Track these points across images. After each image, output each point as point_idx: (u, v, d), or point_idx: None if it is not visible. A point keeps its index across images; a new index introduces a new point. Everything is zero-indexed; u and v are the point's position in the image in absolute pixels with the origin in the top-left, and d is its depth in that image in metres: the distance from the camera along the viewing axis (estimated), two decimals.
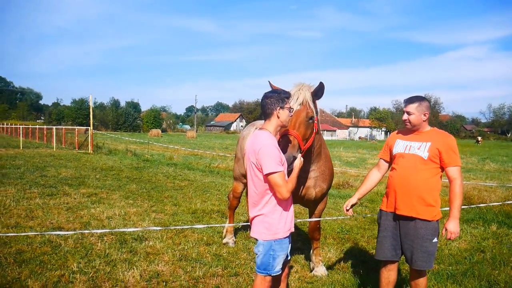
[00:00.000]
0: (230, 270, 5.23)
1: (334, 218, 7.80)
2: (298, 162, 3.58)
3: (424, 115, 3.80)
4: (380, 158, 4.24)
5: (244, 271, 5.23)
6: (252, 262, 5.61)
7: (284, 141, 3.83)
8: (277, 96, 3.43)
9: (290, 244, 3.58)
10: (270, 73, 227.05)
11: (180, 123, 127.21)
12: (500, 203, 9.07)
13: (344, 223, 7.82)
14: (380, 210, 4.06)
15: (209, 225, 6.14)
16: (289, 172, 3.53)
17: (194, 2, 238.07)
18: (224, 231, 6.49)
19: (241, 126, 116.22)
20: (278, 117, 3.44)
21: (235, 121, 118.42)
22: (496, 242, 6.82)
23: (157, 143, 29.05)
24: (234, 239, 6.43)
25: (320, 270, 5.21)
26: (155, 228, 6.21)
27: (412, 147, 3.81)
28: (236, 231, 6.88)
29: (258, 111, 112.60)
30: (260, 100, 3.53)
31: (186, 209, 8.56)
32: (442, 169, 3.79)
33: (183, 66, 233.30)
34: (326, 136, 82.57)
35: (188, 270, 5.15)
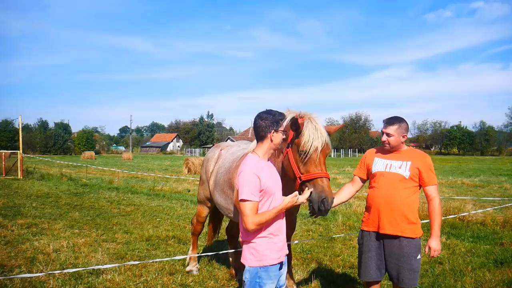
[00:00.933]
0: None
1: (295, 242, 7.74)
2: (289, 200, 3.30)
3: (403, 136, 3.86)
4: (355, 175, 4.24)
5: None
6: None
7: (321, 187, 3.55)
8: (272, 119, 3.29)
9: (283, 272, 3.43)
10: (206, 93, 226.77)
11: (114, 145, 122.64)
12: (444, 217, 9.52)
13: (304, 243, 7.77)
14: (362, 230, 4.04)
15: (184, 256, 5.78)
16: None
17: (127, 20, 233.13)
18: (188, 258, 6.17)
19: (178, 146, 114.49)
20: (272, 141, 3.31)
21: (172, 141, 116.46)
22: (449, 253, 7.09)
23: (92, 166, 27.61)
24: (198, 266, 6.14)
25: None
26: (133, 262, 5.72)
27: (393, 166, 3.84)
28: (198, 257, 6.58)
29: (195, 131, 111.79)
30: (253, 120, 3.39)
31: (139, 237, 8.09)
32: (420, 187, 3.86)
33: (117, 85, 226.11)
34: None
35: None
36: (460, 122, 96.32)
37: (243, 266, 3.35)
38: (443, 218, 9.32)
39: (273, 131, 3.28)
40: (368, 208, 4.00)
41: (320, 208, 3.49)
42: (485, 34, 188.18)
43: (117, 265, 5.43)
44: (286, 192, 3.47)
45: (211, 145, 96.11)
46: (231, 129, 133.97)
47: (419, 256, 3.79)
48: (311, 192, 3.51)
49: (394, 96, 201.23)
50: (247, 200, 3.13)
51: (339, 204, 4.29)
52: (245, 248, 3.32)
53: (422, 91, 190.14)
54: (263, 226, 3.20)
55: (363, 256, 3.96)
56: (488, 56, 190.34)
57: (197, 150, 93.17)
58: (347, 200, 4.24)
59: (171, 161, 51.98)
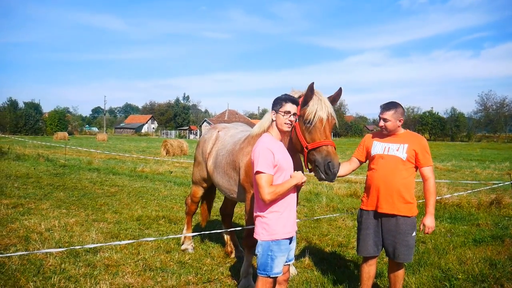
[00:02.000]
0: (201, 276, 5.12)
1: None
2: (300, 177, 3.49)
3: (399, 121, 4.06)
4: (354, 157, 4.43)
5: (216, 277, 5.16)
6: (219, 267, 5.54)
7: (326, 151, 3.71)
8: (276, 101, 3.51)
9: (292, 247, 3.62)
10: (181, 74, 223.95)
11: (87, 126, 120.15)
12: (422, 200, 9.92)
13: None
14: (361, 209, 4.26)
15: (186, 234, 5.88)
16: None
17: None
18: (182, 237, 6.30)
19: (153, 128, 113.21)
20: (273, 120, 3.52)
21: (146, 122, 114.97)
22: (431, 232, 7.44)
23: (67, 146, 27.10)
24: (193, 245, 6.28)
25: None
26: (148, 239, 5.86)
27: (391, 149, 4.05)
28: (192, 236, 6.72)
29: (170, 113, 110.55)
30: None
31: (128, 217, 8.16)
32: (416, 168, 4.09)
33: (89, 65, 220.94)
34: None
35: (159, 280, 4.94)
36: (432, 108, 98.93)
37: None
38: (421, 201, 9.78)
39: (273, 111, 3.51)
40: (367, 189, 4.21)
41: (326, 171, 3.67)
42: (458, 21, 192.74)
43: (128, 242, 5.50)
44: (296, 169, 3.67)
45: (187, 127, 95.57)
46: (206, 111, 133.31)
47: (414, 233, 4.05)
48: (317, 156, 3.71)
49: (369, 81, 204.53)
50: (262, 172, 3.31)
51: (338, 176, 4.42)
52: (258, 224, 3.50)
53: (396, 76, 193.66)
54: (278, 197, 3.37)
55: (362, 233, 4.19)
56: (460, 44, 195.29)
57: (173, 132, 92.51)
58: (345, 175, 4.38)
59: (147, 142, 51.50)
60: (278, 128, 3.52)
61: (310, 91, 3.83)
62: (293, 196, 3.55)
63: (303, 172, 4.24)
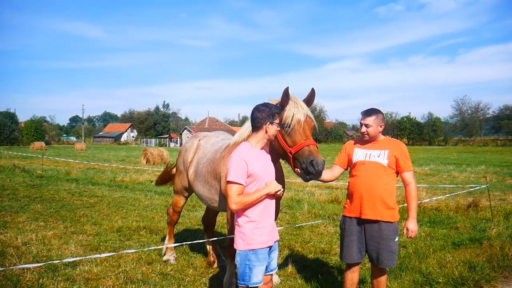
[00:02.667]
0: None
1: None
2: (273, 187, 3.47)
3: (380, 126, 4.12)
4: (335, 164, 4.45)
5: (199, 287, 5.10)
6: (202, 278, 5.49)
7: (308, 151, 3.75)
8: (269, 111, 3.48)
9: (273, 257, 3.62)
10: (160, 81, 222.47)
11: (65, 135, 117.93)
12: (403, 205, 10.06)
13: None
14: (344, 216, 4.28)
15: (166, 245, 5.81)
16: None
17: (76, 5, 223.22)
18: (164, 248, 6.22)
19: (132, 136, 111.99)
20: (267, 132, 3.50)
21: (126, 131, 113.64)
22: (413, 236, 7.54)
23: (44, 157, 26.50)
24: (175, 255, 6.21)
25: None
26: (129, 251, 5.77)
27: (372, 155, 4.10)
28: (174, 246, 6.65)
29: (150, 121, 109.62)
30: (251, 112, 3.53)
31: (108, 228, 8.02)
32: (397, 174, 4.14)
33: (67, 73, 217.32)
34: None
35: None
36: (410, 113, 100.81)
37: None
38: (402, 205, 9.91)
39: (268, 123, 3.49)
40: (349, 196, 4.24)
41: (309, 170, 3.68)
42: (433, 28, 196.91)
43: (109, 254, 5.39)
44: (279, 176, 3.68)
45: (167, 136, 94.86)
46: (186, 119, 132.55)
47: (396, 238, 4.10)
48: (300, 157, 3.74)
49: (348, 87, 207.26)
50: (233, 182, 3.35)
51: (321, 181, 4.34)
52: (236, 233, 3.51)
53: (374, 82, 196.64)
54: (245, 207, 3.38)
55: (345, 240, 4.21)
56: (436, 50, 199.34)
57: (153, 140, 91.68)
58: (329, 180, 4.35)
59: (126, 151, 50.85)
60: (268, 138, 3.55)
61: (286, 96, 3.87)
62: (270, 205, 3.54)
63: (283, 181, 4.25)
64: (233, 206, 3.34)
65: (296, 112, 3.84)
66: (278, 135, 3.88)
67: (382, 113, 4.18)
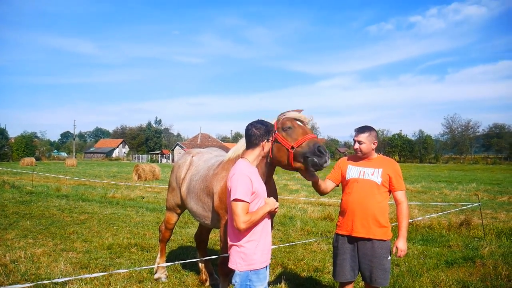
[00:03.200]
0: None
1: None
2: (272, 203, 3.48)
3: (374, 143, 4.14)
4: (328, 179, 4.43)
5: None
6: None
7: (313, 141, 3.85)
8: (265, 129, 3.50)
9: (267, 273, 3.57)
10: (153, 97, 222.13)
11: (56, 151, 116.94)
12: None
13: None
14: (336, 234, 4.27)
15: (158, 265, 5.71)
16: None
17: (68, 21, 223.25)
18: (156, 266, 6.13)
19: (124, 152, 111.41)
20: (263, 148, 3.52)
21: (117, 147, 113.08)
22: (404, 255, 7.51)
23: (34, 172, 26.19)
24: (166, 273, 6.12)
25: None
26: (120, 271, 5.67)
27: (366, 173, 4.11)
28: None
29: (142, 137, 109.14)
30: (246, 127, 3.54)
31: (99, 245, 7.91)
32: (390, 192, 4.15)
33: (58, 89, 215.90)
34: None
35: None
36: (401, 130, 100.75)
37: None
38: (394, 224, 9.91)
39: (265, 140, 3.49)
40: (342, 213, 4.23)
41: (318, 154, 3.72)
42: (423, 47, 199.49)
43: (99, 274, 5.29)
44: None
45: (159, 151, 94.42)
46: (178, 135, 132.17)
47: (389, 257, 4.08)
48: (306, 146, 3.80)
49: (339, 104, 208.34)
50: (240, 200, 3.26)
51: (316, 188, 4.33)
52: (234, 253, 3.43)
53: (365, 100, 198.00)
54: (252, 225, 3.34)
55: (338, 258, 4.19)
56: (425, 68, 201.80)
57: (145, 156, 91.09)
58: (321, 190, 4.29)
59: (118, 167, 50.52)
60: (264, 154, 3.58)
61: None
62: (268, 223, 3.52)
63: (277, 198, 4.25)
64: (242, 225, 3.26)
65: (294, 114, 4.02)
66: (279, 137, 3.93)
67: (376, 131, 4.21)
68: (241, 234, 3.38)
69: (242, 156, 3.57)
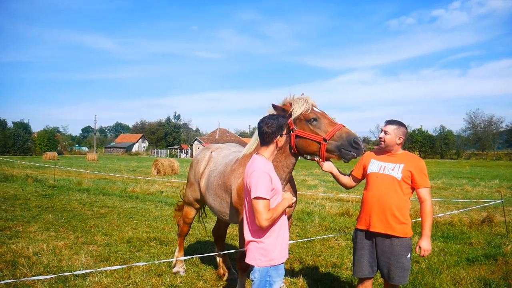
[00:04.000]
0: None
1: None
2: (290, 197, 3.48)
3: (399, 138, 4.07)
4: (352, 174, 4.42)
5: None
6: None
7: (345, 132, 3.92)
8: (277, 125, 3.46)
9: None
10: (172, 93, 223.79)
11: (77, 145, 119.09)
12: (415, 219, 9.93)
13: None
14: (356, 229, 4.23)
15: (177, 258, 5.78)
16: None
17: (89, 17, 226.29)
18: (174, 259, 6.19)
19: (143, 147, 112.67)
20: (277, 144, 3.51)
21: (137, 142, 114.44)
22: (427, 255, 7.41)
23: (56, 166, 26.75)
24: (185, 267, 6.18)
25: None
26: (139, 264, 5.79)
27: (386, 168, 4.05)
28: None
29: (161, 132, 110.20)
30: (258, 124, 3.54)
31: (119, 239, 8.03)
32: (413, 189, 4.08)
33: (79, 84, 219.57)
34: None
35: None
36: (421, 126, 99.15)
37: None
38: (415, 220, 9.78)
39: (278, 136, 3.48)
40: (362, 207, 4.19)
41: (355, 146, 3.81)
42: (445, 41, 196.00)
43: (119, 267, 5.38)
44: None
45: (178, 146, 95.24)
46: (197, 130, 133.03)
47: (409, 255, 4.02)
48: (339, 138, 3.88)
49: (358, 99, 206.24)
50: (262, 198, 3.25)
51: (336, 177, 4.45)
52: (253, 249, 3.42)
53: (385, 95, 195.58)
54: (274, 222, 3.34)
55: (357, 254, 4.16)
56: (447, 63, 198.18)
57: (164, 151, 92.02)
58: (345, 184, 4.43)
59: (137, 162, 51.16)
60: (279, 148, 3.58)
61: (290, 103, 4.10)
62: (285, 218, 3.52)
63: (296, 193, 4.25)
64: (265, 222, 3.25)
65: (310, 101, 4.07)
66: (304, 133, 3.99)
67: (406, 128, 4.13)
68: (261, 230, 3.37)
69: (258, 152, 3.55)
